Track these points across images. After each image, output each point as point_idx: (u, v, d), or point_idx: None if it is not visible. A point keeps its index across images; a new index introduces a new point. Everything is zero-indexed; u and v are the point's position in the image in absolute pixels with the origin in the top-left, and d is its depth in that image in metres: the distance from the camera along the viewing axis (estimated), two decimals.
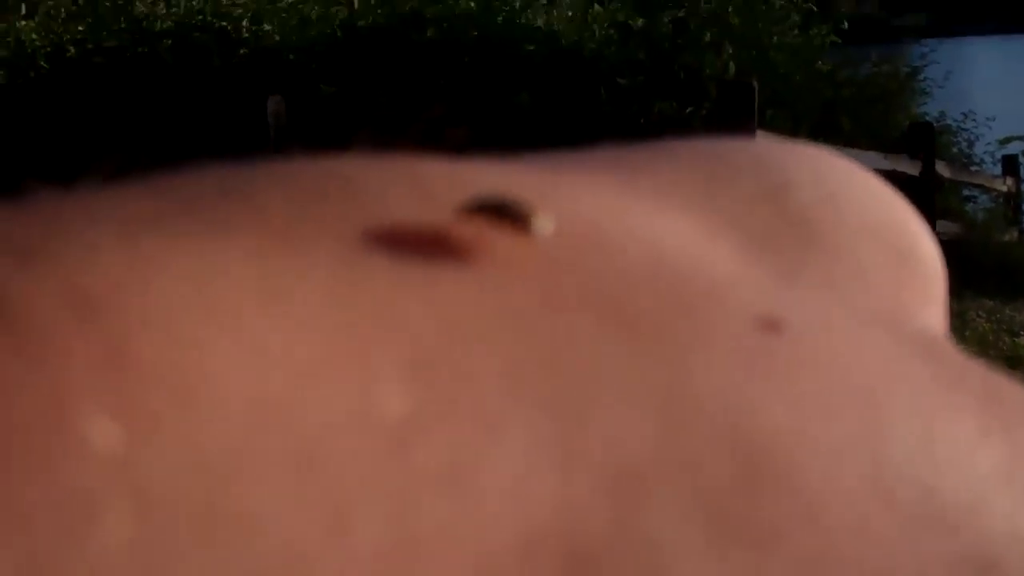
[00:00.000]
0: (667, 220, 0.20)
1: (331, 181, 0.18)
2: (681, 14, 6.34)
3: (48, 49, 7.65)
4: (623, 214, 0.20)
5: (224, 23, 7.08)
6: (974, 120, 8.28)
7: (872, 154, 5.83)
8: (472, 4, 6.69)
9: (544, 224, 0.17)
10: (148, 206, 0.16)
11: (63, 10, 8.07)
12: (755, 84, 4.66)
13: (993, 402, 0.20)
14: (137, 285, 0.14)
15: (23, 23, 8.08)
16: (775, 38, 6.49)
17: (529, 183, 0.19)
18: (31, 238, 0.14)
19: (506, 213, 0.18)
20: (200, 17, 7.20)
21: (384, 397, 0.14)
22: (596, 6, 7.05)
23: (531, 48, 6.29)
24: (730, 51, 6.06)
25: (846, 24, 7.00)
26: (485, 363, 0.15)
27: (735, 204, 0.22)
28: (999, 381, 0.21)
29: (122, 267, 0.14)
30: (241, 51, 6.93)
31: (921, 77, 7.84)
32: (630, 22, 6.50)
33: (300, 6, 7.21)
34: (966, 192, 8.01)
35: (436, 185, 0.18)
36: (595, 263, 0.18)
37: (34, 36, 7.85)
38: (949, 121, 8.11)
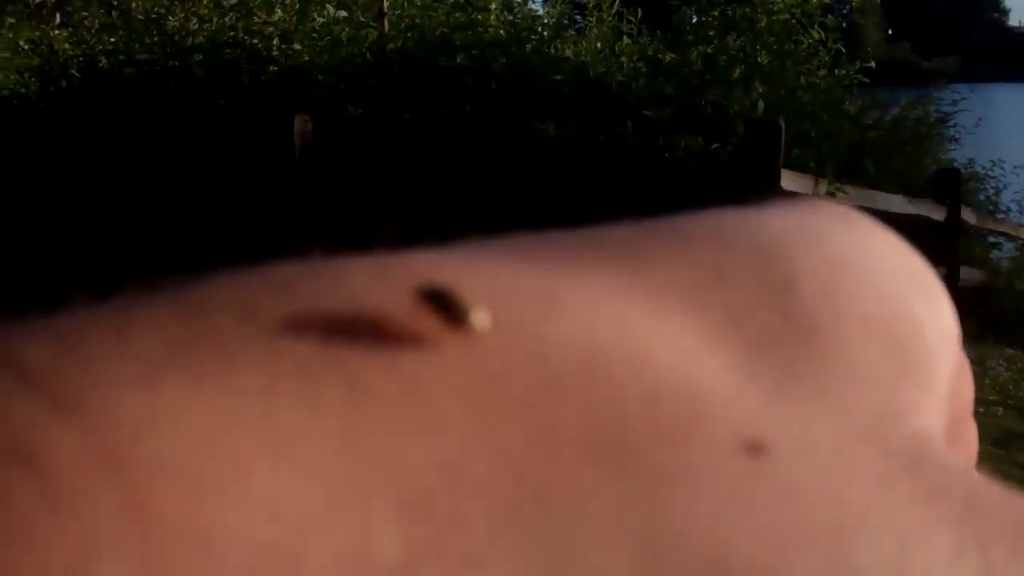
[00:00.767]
0: (665, 325, 0.20)
1: (328, 291, 0.18)
2: (710, 50, 6.34)
3: (80, 59, 7.70)
4: (621, 326, 0.20)
5: (255, 41, 7.12)
6: (1002, 168, 8.24)
7: (897, 197, 5.81)
8: (502, 32, 6.71)
9: (481, 319, 0.18)
10: (168, 336, 0.17)
11: (96, 21, 8.13)
12: (782, 123, 4.64)
13: (971, 516, 0.20)
14: (157, 438, 0.15)
15: (56, 32, 8.15)
16: (802, 78, 6.47)
17: (530, 287, 0.20)
18: (61, 383, 0.15)
19: (444, 305, 0.18)
20: (232, 34, 7.24)
21: (380, 541, 0.15)
22: (625, 39, 7.06)
23: (558, 78, 6.30)
24: (759, 89, 6.05)
25: (874, 65, 6.97)
26: (474, 505, 0.16)
27: (736, 302, 0.22)
28: (983, 490, 0.21)
29: (144, 417, 0.15)
30: (271, 69, 6.96)
31: (951, 123, 7.80)
32: (659, 56, 6.50)
33: (331, 27, 7.23)
34: (991, 239, 7.97)
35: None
36: (589, 394, 0.18)
37: (67, 46, 7.91)
38: (977, 168, 8.08)
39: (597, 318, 0.20)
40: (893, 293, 0.24)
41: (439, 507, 0.16)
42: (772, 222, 0.24)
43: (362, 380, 0.17)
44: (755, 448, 0.19)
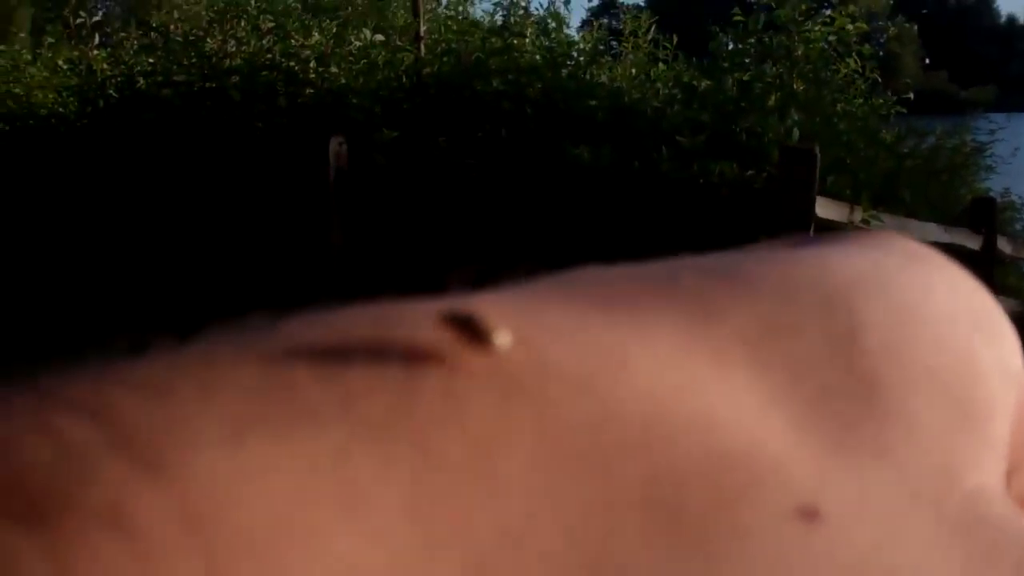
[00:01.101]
0: (728, 383, 0.21)
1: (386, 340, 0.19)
2: (746, 77, 6.33)
3: (118, 79, 7.76)
4: (687, 387, 0.20)
5: (292, 64, 7.16)
6: None
7: (933, 226, 5.77)
8: (537, 58, 6.72)
9: (503, 340, 0.18)
10: (250, 391, 0.17)
11: (135, 42, 8.20)
12: (817, 151, 4.63)
13: None
14: (239, 502, 0.15)
15: (95, 52, 8.22)
16: (839, 106, 6.45)
17: (601, 347, 0.20)
18: (152, 442, 0.16)
19: (469, 328, 0.18)
20: (269, 56, 7.28)
21: None
22: (660, 65, 7.06)
23: (594, 103, 6.30)
24: (795, 117, 6.03)
25: (912, 96, 6.95)
26: (534, 571, 0.16)
27: (799, 356, 0.22)
28: None
29: (227, 480, 0.16)
30: (307, 91, 7.00)
31: (987, 152, 7.76)
32: (694, 83, 6.49)
33: (368, 51, 7.27)
34: None
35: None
36: (651, 458, 0.18)
37: (105, 66, 7.98)
38: (1013, 197, 8.03)
39: (663, 379, 0.20)
40: (957, 340, 0.24)
41: (501, 573, 0.16)
42: (838, 266, 0.24)
43: (432, 440, 0.17)
44: (809, 514, 0.19)
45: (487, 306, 0.20)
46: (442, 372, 0.18)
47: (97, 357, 0.18)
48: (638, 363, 0.20)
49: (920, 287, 0.25)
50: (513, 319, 0.19)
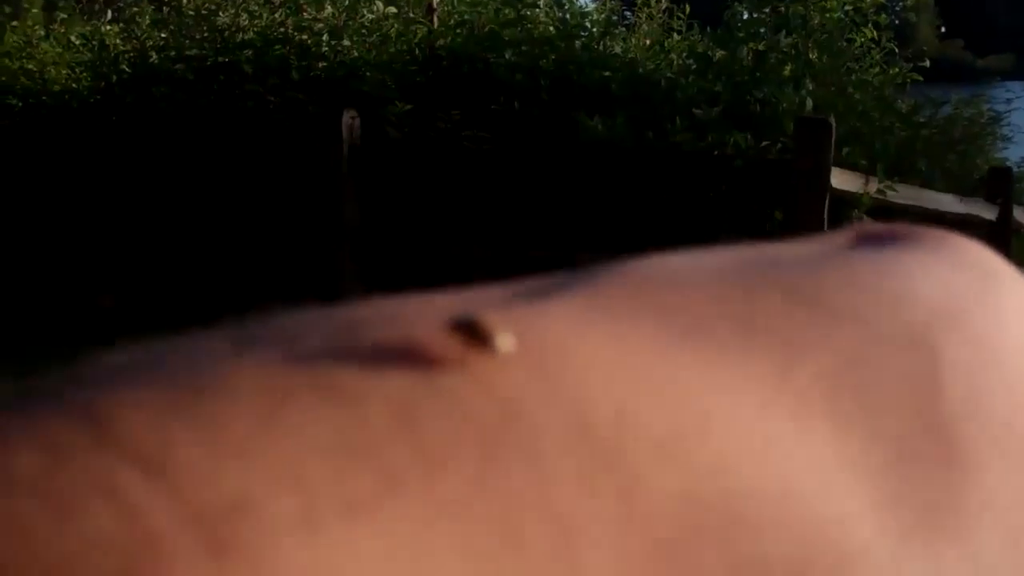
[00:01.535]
0: (808, 444, 0.19)
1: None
2: (761, 47, 6.28)
3: (131, 54, 7.75)
4: (766, 454, 0.19)
5: (304, 37, 7.13)
6: None
7: (948, 197, 5.75)
8: (551, 29, 6.69)
9: (505, 342, 0.18)
10: (324, 442, 0.15)
11: (147, 17, 8.18)
12: (832, 121, 4.60)
13: None
14: None
15: (108, 28, 8.21)
16: (854, 75, 6.41)
17: (685, 400, 0.18)
18: (225, 521, 0.14)
19: (473, 333, 0.18)
20: (282, 30, 7.25)
21: None
22: (674, 35, 7.02)
23: (607, 75, 6.27)
24: (809, 87, 5.99)
25: (928, 63, 6.90)
26: None
27: (879, 408, 0.20)
28: None
29: (303, 572, 0.14)
30: (320, 65, 6.98)
31: (1004, 121, 7.71)
32: (709, 53, 6.45)
33: (380, 23, 7.24)
34: None
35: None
36: (730, 542, 0.17)
37: (118, 41, 7.96)
38: None
39: (745, 442, 0.18)
40: None
41: None
42: (918, 291, 0.23)
43: (514, 522, 0.15)
44: None
45: (569, 330, 0.18)
46: (524, 431, 0.16)
47: (129, 350, 0.16)
48: (719, 420, 0.18)
49: (996, 317, 0.24)
50: (597, 356, 0.18)
